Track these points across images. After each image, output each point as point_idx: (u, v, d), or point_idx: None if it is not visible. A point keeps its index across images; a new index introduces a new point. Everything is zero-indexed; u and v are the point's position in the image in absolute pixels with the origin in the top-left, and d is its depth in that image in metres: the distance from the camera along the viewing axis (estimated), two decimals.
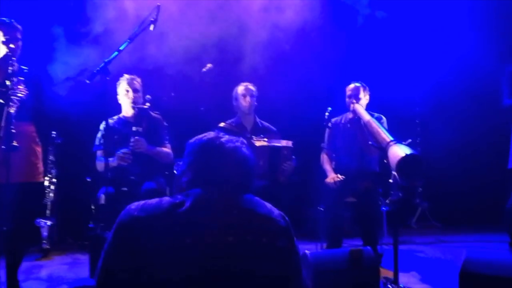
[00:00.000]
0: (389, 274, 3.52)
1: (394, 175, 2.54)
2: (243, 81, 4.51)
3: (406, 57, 5.24)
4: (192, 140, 1.60)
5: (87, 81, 3.07)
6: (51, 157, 4.69)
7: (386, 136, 2.82)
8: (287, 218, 1.55)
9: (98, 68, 3.11)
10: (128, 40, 3.32)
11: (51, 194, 4.58)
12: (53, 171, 4.69)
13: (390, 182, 2.64)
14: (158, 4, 3.44)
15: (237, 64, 5.00)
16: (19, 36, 3.16)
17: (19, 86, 2.95)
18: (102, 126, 3.88)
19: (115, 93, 3.96)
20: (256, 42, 4.91)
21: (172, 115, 4.75)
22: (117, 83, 3.96)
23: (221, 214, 1.43)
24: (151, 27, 3.47)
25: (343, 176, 3.93)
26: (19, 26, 3.18)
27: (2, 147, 2.72)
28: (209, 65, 4.71)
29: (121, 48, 3.26)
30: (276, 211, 1.53)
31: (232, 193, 1.50)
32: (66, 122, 4.60)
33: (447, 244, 4.67)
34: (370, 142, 2.98)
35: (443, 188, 5.44)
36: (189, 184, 1.51)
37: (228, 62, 4.93)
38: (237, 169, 1.54)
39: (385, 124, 4.14)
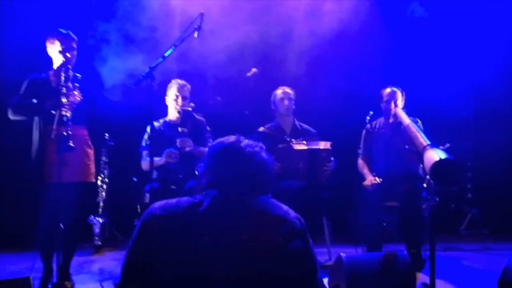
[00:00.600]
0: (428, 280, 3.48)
1: (429, 179, 2.53)
2: (285, 84, 4.59)
3: (448, 58, 5.11)
4: (213, 143, 1.69)
5: (133, 87, 3.23)
6: (104, 158, 4.95)
7: (423, 140, 2.81)
8: (303, 221, 1.60)
9: (143, 74, 3.28)
10: (173, 47, 3.46)
11: (103, 193, 4.83)
12: (105, 171, 4.94)
13: (424, 186, 2.63)
14: (202, 11, 3.57)
15: (280, 68, 5.08)
16: (74, 45, 3.41)
17: (74, 92, 3.18)
18: (148, 128, 4.07)
19: (161, 97, 4.13)
20: (298, 45, 4.98)
21: (218, 119, 4.90)
22: (168, 85, 4.13)
23: (236, 214, 1.51)
24: (195, 34, 3.61)
25: (380, 179, 3.91)
26: (75, 37, 3.43)
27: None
28: (254, 70, 4.80)
29: (166, 54, 3.41)
30: (292, 213, 1.59)
31: (248, 195, 1.57)
32: (118, 125, 4.86)
33: (494, 252, 4.51)
34: (406, 146, 2.96)
35: (494, 194, 5.27)
36: (208, 184, 1.60)
37: (271, 65, 5.01)
38: (254, 172, 1.62)
39: (421, 128, 4.09)
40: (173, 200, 1.56)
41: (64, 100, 3.10)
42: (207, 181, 1.61)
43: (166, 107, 4.17)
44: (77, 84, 3.26)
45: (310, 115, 4.93)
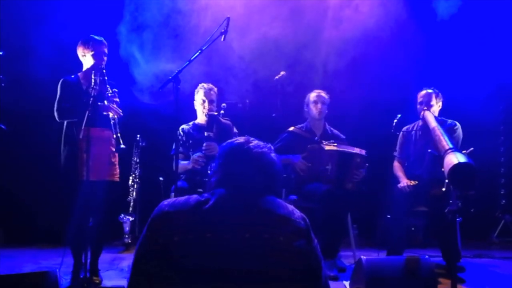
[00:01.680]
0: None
1: (447, 183, 2.50)
2: (314, 88, 4.60)
3: (477, 59, 4.98)
4: (224, 144, 1.74)
5: (160, 89, 3.32)
6: (135, 159, 5.09)
7: (446, 144, 2.77)
8: (307, 221, 1.63)
9: (170, 77, 3.37)
10: (200, 51, 3.54)
11: (134, 193, 4.97)
12: (136, 171, 5.08)
13: (443, 190, 2.59)
14: (228, 16, 3.63)
15: (310, 71, 5.09)
16: (106, 51, 3.55)
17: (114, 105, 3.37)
18: (179, 131, 4.19)
19: (189, 100, 4.22)
20: (328, 49, 4.98)
21: (246, 121, 4.95)
22: (196, 90, 4.22)
23: (240, 213, 1.55)
24: (222, 38, 3.67)
25: (416, 182, 3.86)
26: (106, 43, 3.57)
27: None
28: (282, 73, 4.83)
29: (192, 58, 3.49)
30: (297, 214, 1.62)
31: (254, 194, 1.61)
32: (149, 126, 4.99)
33: None
34: (429, 150, 2.92)
35: None
36: (217, 184, 1.66)
37: (301, 69, 5.03)
38: (262, 173, 1.66)
39: (459, 131, 4.02)
40: (182, 198, 1.61)
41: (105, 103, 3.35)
42: (216, 180, 1.67)
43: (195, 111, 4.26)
44: (114, 90, 3.42)
45: (339, 120, 4.92)
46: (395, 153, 4.30)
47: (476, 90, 4.92)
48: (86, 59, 3.53)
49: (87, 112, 3.04)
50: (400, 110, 4.28)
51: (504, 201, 5.25)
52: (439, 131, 3.07)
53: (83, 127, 3.02)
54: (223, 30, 3.65)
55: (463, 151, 2.87)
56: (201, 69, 4.45)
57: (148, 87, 3.78)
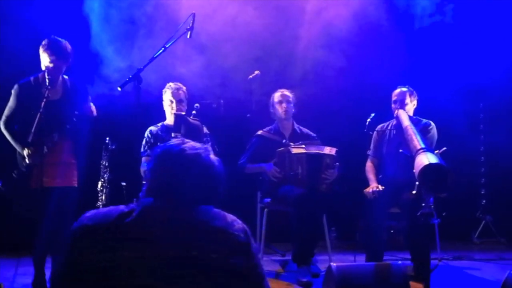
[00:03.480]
0: None
1: (418, 185, 2.36)
2: (290, 87, 4.46)
3: (456, 58, 4.89)
4: (157, 147, 1.56)
5: (119, 88, 3.16)
6: (104, 162, 4.88)
7: (418, 143, 2.64)
8: (249, 233, 1.45)
9: (130, 76, 3.20)
10: (163, 48, 3.38)
11: (103, 197, 4.77)
12: (106, 175, 4.87)
13: (413, 193, 2.46)
14: (193, 12, 3.48)
15: (286, 71, 4.95)
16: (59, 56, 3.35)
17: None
18: (146, 133, 4.03)
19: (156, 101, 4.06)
20: (304, 47, 4.85)
21: (221, 122, 4.80)
22: (163, 90, 4.06)
23: (166, 226, 1.36)
24: (188, 35, 3.52)
25: (383, 187, 3.73)
26: (66, 46, 3.38)
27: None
28: (256, 72, 4.71)
29: (154, 55, 3.33)
30: (237, 226, 1.43)
31: (185, 204, 1.42)
32: (119, 128, 4.80)
33: (507, 262, 4.27)
34: (401, 150, 2.79)
35: (510, 200, 5.02)
36: (147, 192, 1.47)
37: (277, 68, 4.89)
38: (197, 178, 1.46)
39: (434, 131, 3.91)
40: (105, 209, 1.42)
41: None
42: (146, 189, 1.48)
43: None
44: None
45: (317, 119, 4.79)
46: (369, 152, 4.18)
47: (455, 89, 4.83)
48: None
49: (36, 118, 2.86)
50: (377, 109, 4.17)
51: (484, 201, 5.15)
52: (411, 131, 2.94)
53: (33, 130, 2.84)
54: (188, 27, 3.51)
55: (436, 151, 2.75)
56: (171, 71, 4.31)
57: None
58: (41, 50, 3.28)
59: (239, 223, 1.45)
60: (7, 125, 3.35)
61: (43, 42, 3.29)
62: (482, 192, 5.17)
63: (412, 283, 2.83)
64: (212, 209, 1.45)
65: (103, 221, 1.37)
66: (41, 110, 2.95)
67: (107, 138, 4.89)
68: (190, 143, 1.52)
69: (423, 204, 2.51)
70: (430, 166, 2.30)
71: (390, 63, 4.72)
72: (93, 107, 3.42)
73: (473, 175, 5.19)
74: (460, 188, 4.99)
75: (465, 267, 4.14)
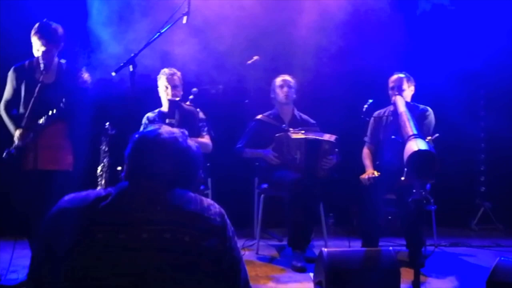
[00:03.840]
0: (423, 278, 3.32)
1: (406, 171, 2.36)
2: (290, 73, 4.44)
3: (456, 43, 4.84)
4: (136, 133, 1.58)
5: (113, 73, 3.16)
6: (104, 147, 4.91)
7: (410, 130, 2.63)
8: (226, 218, 1.47)
9: (124, 61, 3.20)
10: (158, 33, 3.37)
11: (103, 182, 4.80)
12: (105, 160, 4.90)
13: (402, 179, 2.46)
14: None
15: (286, 56, 4.92)
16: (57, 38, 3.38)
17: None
18: (144, 119, 4.05)
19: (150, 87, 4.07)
20: (305, 32, 4.81)
21: (221, 108, 4.80)
22: (158, 77, 4.06)
23: (140, 209, 1.38)
24: (184, 20, 3.50)
25: (379, 173, 3.73)
26: (57, 30, 3.38)
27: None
28: (255, 57, 4.70)
29: (150, 41, 3.31)
30: (213, 210, 1.45)
31: (160, 188, 1.44)
32: (119, 113, 4.81)
33: (504, 249, 4.27)
34: (393, 136, 2.79)
35: (509, 187, 5.00)
36: (125, 177, 1.49)
37: (276, 54, 4.87)
38: (173, 162, 1.49)
39: (431, 117, 3.90)
40: (84, 193, 1.45)
41: None
42: (124, 174, 1.51)
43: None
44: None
45: (314, 105, 4.77)
46: (366, 139, 4.17)
47: (455, 75, 4.79)
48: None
49: (30, 102, 2.88)
50: (374, 95, 4.15)
51: (483, 188, 5.13)
52: (405, 117, 2.93)
53: (26, 114, 2.87)
54: (184, 11, 3.49)
55: (428, 138, 2.74)
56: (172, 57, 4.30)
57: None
58: (32, 34, 3.29)
59: (216, 208, 1.47)
60: (5, 108, 3.40)
61: (34, 26, 3.30)
62: (482, 179, 5.15)
63: (403, 269, 2.86)
64: (188, 193, 1.47)
65: (80, 204, 1.40)
66: (35, 95, 2.96)
67: (107, 123, 4.95)
68: (167, 129, 1.54)
69: (414, 191, 2.49)
70: (418, 152, 2.30)
71: (388, 49, 4.68)
72: (86, 76, 3.39)
73: (473, 162, 5.17)
74: (459, 174, 5.04)
75: (461, 253, 4.14)
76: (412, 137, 2.51)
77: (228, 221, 1.48)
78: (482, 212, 5.06)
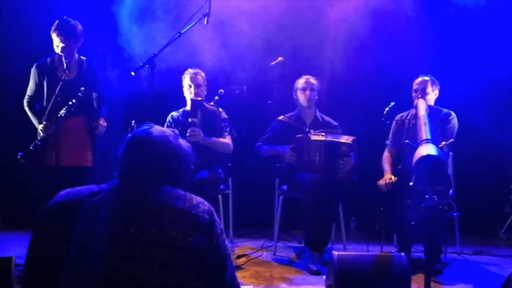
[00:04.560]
0: (438, 286, 3.25)
1: (415, 176, 2.32)
2: (313, 74, 4.42)
3: (499, 49, 4.69)
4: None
5: (132, 73, 3.23)
6: None
7: (425, 134, 2.58)
8: (215, 216, 1.52)
9: (144, 61, 3.27)
10: (178, 34, 3.42)
11: None
12: None
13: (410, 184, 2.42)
14: None
15: (311, 57, 4.91)
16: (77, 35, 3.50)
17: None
18: (168, 118, 4.13)
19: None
20: (330, 33, 4.79)
21: (245, 108, 4.83)
22: (182, 76, 4.13)
23: (129, 206, 1.44)
24: (205, 21, 3.55)
25: (395, 178, 3.67)
26: (77, 26, 3.51)
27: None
28: (280, 58, 4.70)
29: (170, 41, 3.38)
30: (202, 207, 1.50)
31: (149, 185, 1.49)
32: (144, 112, 4.90)
33: None
34: (406, 141, 2.73)
35: None
36: (118, 175, 1.55)
37: (301, 54, 4.86)
38: (161, 160, 1.53)
39: (454, 121, 3.82)
40: (78, 188, 1.51)
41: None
42: (118, 172, 1.56)
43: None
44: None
45: (340, 107, 4.73)
46: (387, 142, 4.11)
47: (485, 80, 4.64)
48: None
49: (52, 99, 2.99)
50: (399, 97, 4.08)
51: None
52: (423, 120, 2.87)
53: (47, 111, 2.98)
54: (205, 12, 3.53)
55: (443, 143, 2.69)
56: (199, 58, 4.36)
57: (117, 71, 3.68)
58: (51, 31, 3.42)
59: (205, 206, 1.52)
60: (29, 103, 3.56)
61: (54, 23, 3.43)
62: (511, 187, 4.98)
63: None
64: (176, 191, 1.51)
65: (74, 198, 1.46)
66: (56, 92, 3.07)
67: (133, 121, 5.05)
68: (158, 128, 1.59)
69: (427, 196, 2.45)
70: (425, 157, 2.26)
71: (415, 50, 4.59)
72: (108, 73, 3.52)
73: (503, 169, 5.00)
74: (488, 181, 4.89)
75: (484, 262, 4.02)
76: (425, 141, 2.47)
77: (217, 219, 1.52)
78: (511, 220, 4.89)
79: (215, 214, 1.53)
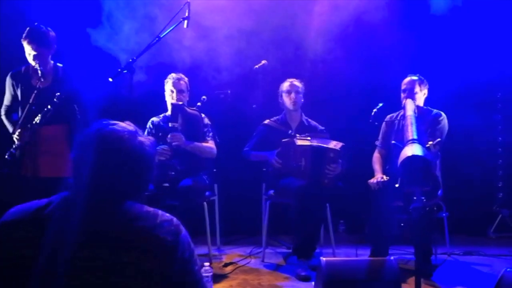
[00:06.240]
0: None
1: (400, 178, 2.26)
2: (298, 77, 4.36)
3: (484, 49, 4.66)
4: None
5: (110, 79, 3.13)
6: None
7: (411, 134, 2.52)
8: (181, 238, 1.28)
9: (123, 66, 3.17)
10: (157, 38, 3.34)
11: None
12: None
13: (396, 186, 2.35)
14: (188, 0, 3.42)
15: (294, 59, 4.85)
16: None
17: None
18: (148, 124, 4.03)
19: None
20: (313, 36, 4.73)
21: (229, 112, 4.74)
22: (165, 81, 4.04)
23: (76, 224, 1.23)
24: (185, 25, 3.47)
25: (387, 177, 3.61)
26: (49, 33, 3.39)
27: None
28: (263, 62, 4.63)
29: (148, 46, 3.28)
30: (167, 227, 1.27)
31: (106, 199, 1.28)
32: (126, 118, 4.79)
33: None
34: (393, 141, 2.68)
35: None
36: (71, 185, 1.33)
37: (284, 56, 4.79)
38: (119, 165, 1.29)
39: (444, 122, 3.78)
40: (27, 204, 1.31)
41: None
42: (71, 180, 1.33)
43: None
44: None
45: (325, 110, 4.67)
46: (377, 143, 4.06)
47: (472, 78, 4.61)
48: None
49: (26, 107, 2.88)
50: (389, 98, 4.03)
51: (501, 194, 4.94)
52: (410, 120, 2.81)
53: (20, 121, 2.87)
54: (185, 16, 3.46)
55: (430, 143, 2.63)
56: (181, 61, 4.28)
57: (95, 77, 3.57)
58: (22, 39, 3.31)
59: (172, 225, 1.29)
60: (6, 113, 3.46)
61: (24, 31, 3.33)
62: (499, 185, 4.96)
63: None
64: (138, 207, 1.31)
65: (21, 216, 1.29)
66: (31, 101, 2.96)
67: None
68: (115, 125, 1.34)
69: (415, 198, 2.38)
70: (410, 158, 2.19)
71: (402, 51, 4.56)
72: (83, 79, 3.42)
73: (490, 167, 4.98)
74: (476, 180, 4.85)
75: (475, 262, 3.98)
76: (410, 142, 2.40)
77: (184, 241, 1.29)
78: (499, 219, 4.87)
79: (183, 236, 1.30)
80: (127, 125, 1.36)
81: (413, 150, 2.23)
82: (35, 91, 3.06)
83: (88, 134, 1.33)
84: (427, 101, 3.96)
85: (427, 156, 2.23)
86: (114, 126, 1.33)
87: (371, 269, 2.60)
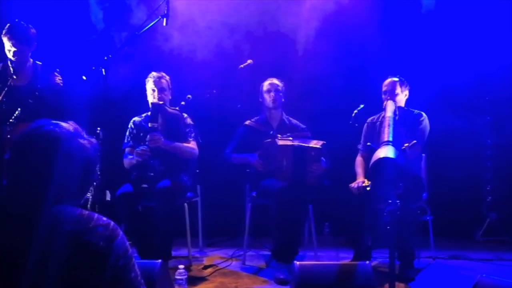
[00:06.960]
0: None
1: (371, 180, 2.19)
2: (281, 77, 4.30)
3: (471, 50, 4.61)
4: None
5: (84, 77, 3.07)
6: None
7: (386, 136, 2.46)
8: (116, 244, 1.22)
9: (97, 64, 3.12)
10: (136, 34, 3.28)
11: (92, 188, 4.72)
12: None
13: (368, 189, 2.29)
14: None
15: (277, 60, 4.81)
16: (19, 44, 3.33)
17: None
18: (130, 124, 3.97)
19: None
20: (296, 35, 4.69)
21: (214, 112, 4.68)
22: (146, 80, 3.98)
23: (11, 229, 1.18)
24: (164, 22, 3.41)
25: (369, 182, 3.55)
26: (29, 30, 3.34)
27: None
28: (249, 61, 4.57)
29: (124, 43, 3.24)
30: (101, 232, 1.21)
31: (32, 201, 1.21)
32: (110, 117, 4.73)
33: (507, 263, 4.01)
34: (368, 143, 2.62)
35: None
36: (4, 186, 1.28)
37: (266, 57, 4.74)
38: (52, 169, 1.22)
39: (426, 122, 3.72)
40: None
41: None
42: (5, 181, 1.27)
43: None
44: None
45: (308, 110, 4.61)
46: (359, 146, 4.00)
47: (459, 79, 4.55)
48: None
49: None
50: (368, 100, 3.97)
51: (490, 197, 4.87)
52: (387, 122, 2.75)
53: None
54: (164, 13, 3.40)
55: (405, 144, 2.57)
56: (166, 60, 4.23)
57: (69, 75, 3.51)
58: (2, 35, 3.25)
59: (107, 230, 1.23)
60: None
61: (5, 27, 3.26)
62: (488, 188, 4.89)
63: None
64: (70, 210, 1.24)
65: None
66: (0, 99, 2.90)
67: (98, 129, 4.87)
68: (54, 125, 1.29)
69: (390, 201, 2.32)
70: (380, 160, 2.13)
71: (385, 51, 4.50)
72: (58, 78, 3.35)
73: (479, 170, 4.91)
74: (464, 183, 4.79)
75: (460, 266, 3.91)
76: (384, 144, 2.34)
77: (118, 247, 1.23)
78: (488, 223, 4.80)
79: (118, 241, 1.23)
80: (68, 126, 1.31)
81: (385, 152, 2.17)
82: (6, 89, 2.99)
83: (25, 133, 1.28)
84: (415, 103, 3.91)
85: (399, 159, 2.16)
86: (51, 126, 1.28)
87: (344, 273, 2.54)
